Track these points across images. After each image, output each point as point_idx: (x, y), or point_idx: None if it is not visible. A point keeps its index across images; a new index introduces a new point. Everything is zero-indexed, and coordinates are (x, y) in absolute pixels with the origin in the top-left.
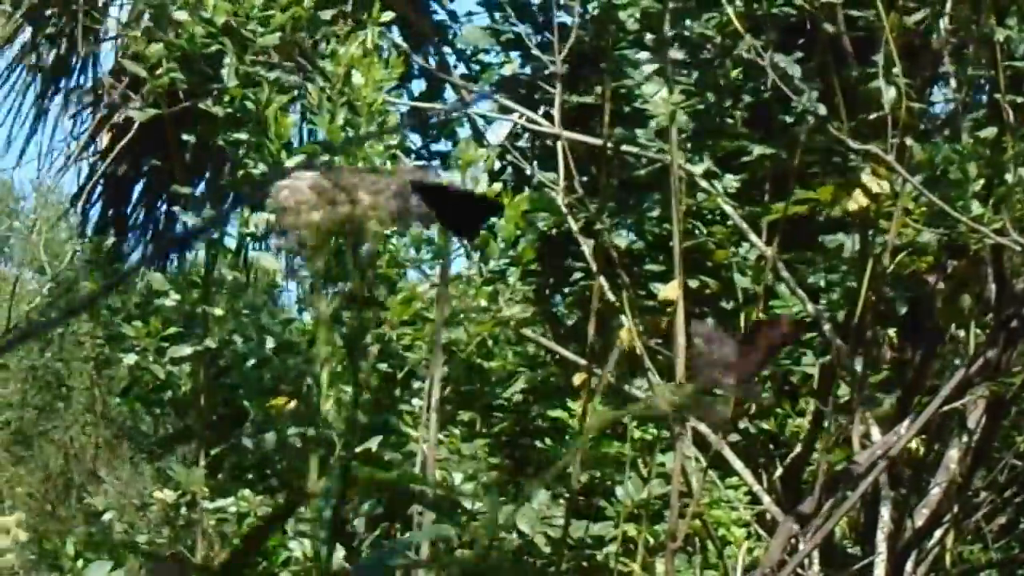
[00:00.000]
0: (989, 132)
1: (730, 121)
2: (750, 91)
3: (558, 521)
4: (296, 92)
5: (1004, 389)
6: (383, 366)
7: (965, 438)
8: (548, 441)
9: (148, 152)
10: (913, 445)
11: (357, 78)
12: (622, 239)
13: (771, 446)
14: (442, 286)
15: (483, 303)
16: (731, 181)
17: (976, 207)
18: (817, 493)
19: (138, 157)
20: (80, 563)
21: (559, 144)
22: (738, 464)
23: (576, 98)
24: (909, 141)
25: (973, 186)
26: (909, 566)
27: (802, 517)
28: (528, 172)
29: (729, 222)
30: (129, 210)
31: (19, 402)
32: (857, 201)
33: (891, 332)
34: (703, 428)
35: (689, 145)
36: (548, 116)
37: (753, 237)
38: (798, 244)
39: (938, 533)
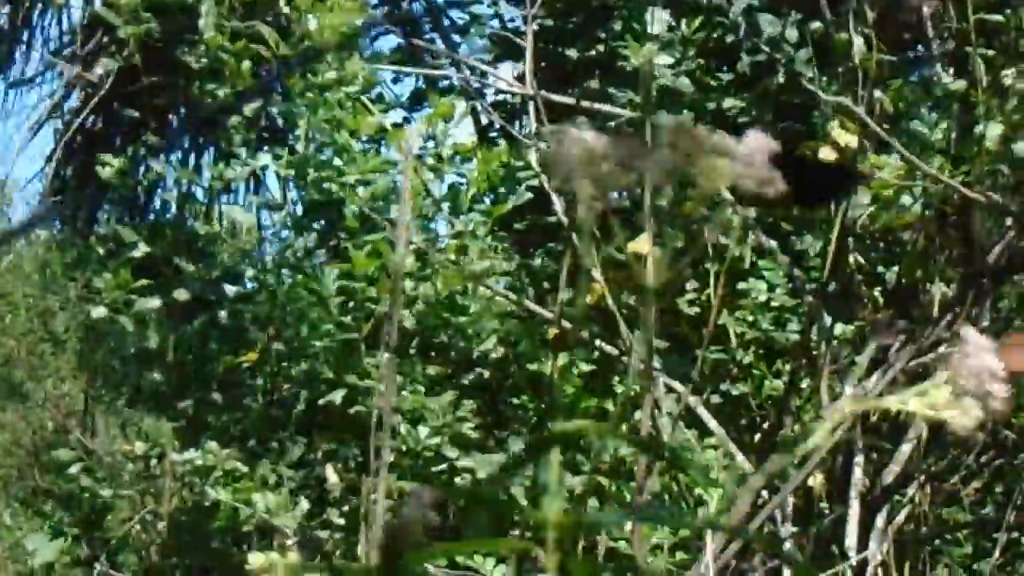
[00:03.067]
0: (958, 85)
1: (714, 83)
2: (735, 49)
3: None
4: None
5: None
6: (348, 319)
7: None
8: (526, 396)
9: (123, 106)
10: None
11: (312, 23)
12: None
13: (750, 408)
14: (401, 233)
15: (452, 256)
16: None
17: (938, 160)
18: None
19: (113, 113)
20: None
21: (532, 102)
22: (713, 423)
23: (570, 52)
24: (878, 94)
25: (935, 136)
26: (880, 523)
27: (771, 474)
28: (501, 126)
29: None
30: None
31: (6, 355)
32: (825, 155)
33: (875, 293)
34: (678, 387)
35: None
36: (542, 70)
37: (729, 198)
38: (781, 206)
39: (911, 491)
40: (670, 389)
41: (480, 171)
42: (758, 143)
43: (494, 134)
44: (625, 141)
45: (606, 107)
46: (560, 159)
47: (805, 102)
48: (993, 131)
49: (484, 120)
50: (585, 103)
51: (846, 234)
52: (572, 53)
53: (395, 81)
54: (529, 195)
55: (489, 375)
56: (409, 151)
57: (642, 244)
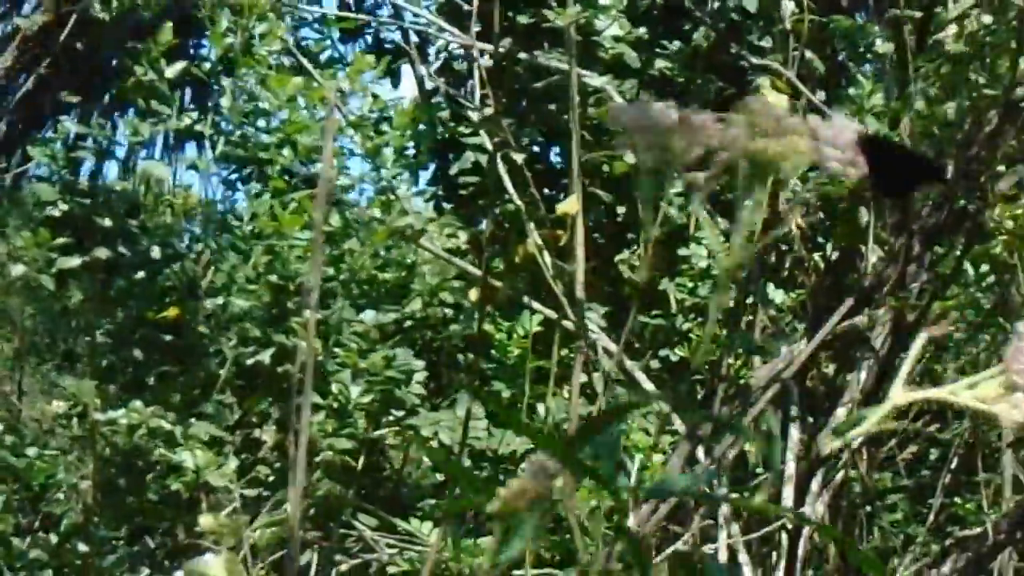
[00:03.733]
0: (887, 47)
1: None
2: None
3: (480, 435)
4: None
5: (906, 306)
6: (273, 277)
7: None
8: (470, 355)
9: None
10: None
11: None
12: (522, 153)
13: (692, 374)
14: (322, 187)
15: (376, 213)
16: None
17: (872, 122)
18: (714, 411)
19: (41, 76)
20: None
21: (479, 63)
22: (650, 386)
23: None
24: (810, 55)
25: (868, 101)
26: (815, 486)
27: (703, 437)
28: (445, 91)
29: None
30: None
31: None
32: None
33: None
34: (613, 347)
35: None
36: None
37: (675, 165)
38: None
39: (847, 455)
40: (609, 353)
41: (399, 125)
42: (843, 126)
43: (439, 99)
44: (703, 117)
45: (547, 59)
46: (636, 128)
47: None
48: (925, 93)
49: (429, 85)
50: (524, 55)
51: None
52: (523, 19)
53: (343, 42)
54: (472, 157)
55: (431, 335)
56: (331, 109)
57: (570, 205)
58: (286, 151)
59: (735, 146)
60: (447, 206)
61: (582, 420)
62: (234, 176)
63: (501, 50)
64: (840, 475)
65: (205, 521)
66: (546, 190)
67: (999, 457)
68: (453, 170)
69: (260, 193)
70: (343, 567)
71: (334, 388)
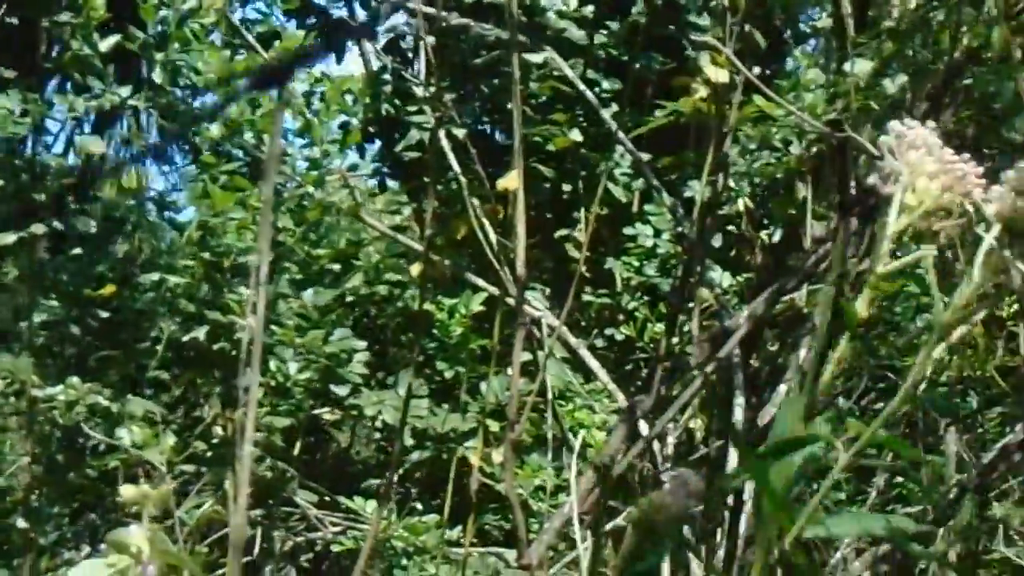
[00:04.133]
0: (826, 21)
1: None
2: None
3: (422, 414)
4: None
5: (842, 283)
6: (207, 255)
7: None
8: (412, 334)
9: None
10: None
11: None
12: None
13: (636, 353)
14: (268, 162)
15: (311, 188)
16: (610, 86)
17: (809, 98)
18: (655, 387)
19: None
20: None
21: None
22: (594, 363)
23: None
24: (750, 29)
25: (806, 76)
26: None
27: (647, 412)
28: (393, 69)
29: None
30: None
31: None
32: (698, 91)
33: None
34: (553, 321)
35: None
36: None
37: (627, 142)
38: (670, 151)
39: None
40: (554, 330)
41: (331, 99)
42: None
43: (386, 77)
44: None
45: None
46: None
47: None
48: (862, 67)
49: (376, 63)
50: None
51: (720, 172)
52: None
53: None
54: (418, 136)
55: (375, 313)
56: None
57: (510, 180)
58: (215, 127)
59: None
60: (392, 183)
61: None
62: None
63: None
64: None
65: (125, 491)
66: (491, 167)
67: (943, 436)
68: (398, 148)
69: (201, 170)
70: (286, 545)
71: (272, 366)
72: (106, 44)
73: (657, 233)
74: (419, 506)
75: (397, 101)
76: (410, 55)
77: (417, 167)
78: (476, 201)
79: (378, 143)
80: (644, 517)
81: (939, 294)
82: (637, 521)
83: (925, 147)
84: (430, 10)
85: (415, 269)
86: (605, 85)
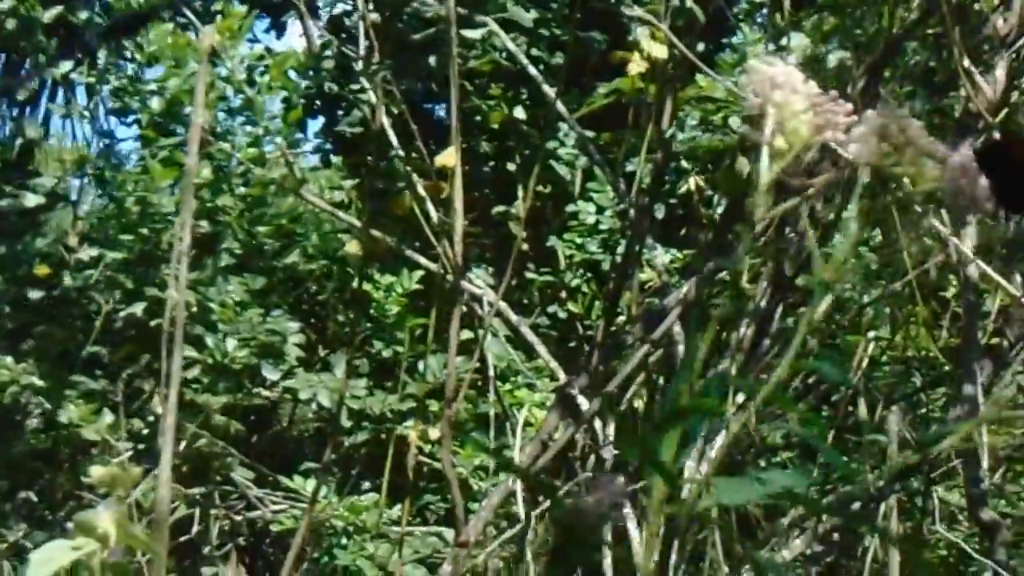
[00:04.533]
0: None
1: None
2: None
3: (360, 393)
4: None
5: (782, 258)
6: (145, 231)
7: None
8: (351, 313)
9: None
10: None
11: None
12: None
13: (580, 331)
14: (193, 136)
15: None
16: (551, 60)
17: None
18: (593, 364)
19: None
20: None
21: (366, 14)
22: (535, 340)
23: None
24: (690, 4)
25: (753, 50)
26: (701, 442)
27: (585, 389)
28: (338, 46)
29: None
30: None
31: None
32: (637, 65)
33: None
34: (490, 295)
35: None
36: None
37: (569, 119)
38: (613, 128)
39: (735, 411)
40: (499, 312)
41: (273, 76)
42: (968, 158)
43: (328, 53)
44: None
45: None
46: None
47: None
48: (799, 42)
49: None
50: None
51: (669, 157)
52: None
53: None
54: (359, 113)
55: (315, 291)
56: (205, 57)
57: (448, 157)
58: (155, 101)
59: (863, 151)
60: (334, 159)
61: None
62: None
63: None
64: (727, 431)
65: (96, 472)
66: (435, 145)
67: (885, 416)
68: (341, 125)
69: (142, 145)
70: (225, 524)
71: (210, 343)
72: (49, 15)
73: (600, 210)
74: (365, 485)
75: (340, 78)
76: (353, 32)
77: (359, 143)
78: (417, 177)
79: (321, 119)
80: (565, 519)
81: (816, 248)
82: (558, 522)
83: (791, 86)
84: None
85: (352, 246)
86: (549, 62)
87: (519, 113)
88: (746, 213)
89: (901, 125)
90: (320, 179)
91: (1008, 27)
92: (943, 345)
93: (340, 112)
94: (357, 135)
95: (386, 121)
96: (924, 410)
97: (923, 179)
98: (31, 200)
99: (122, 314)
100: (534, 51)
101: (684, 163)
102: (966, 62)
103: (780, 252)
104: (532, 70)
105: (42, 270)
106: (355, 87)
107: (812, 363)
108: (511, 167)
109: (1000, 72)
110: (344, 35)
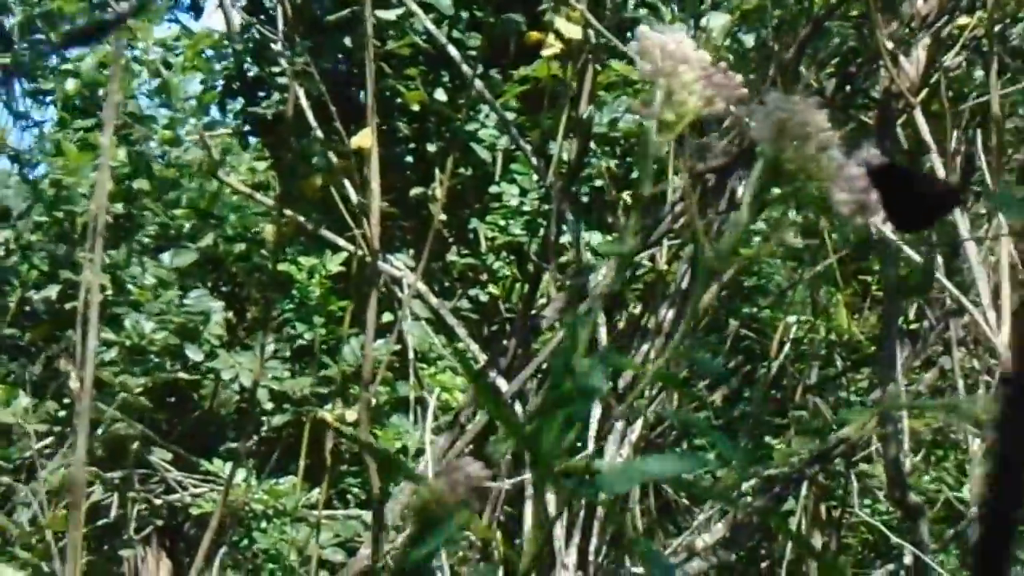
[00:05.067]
0: None
1: None
2: None
3: (282, 376)
4: None
5: (700, 240)
6: (59, 214)
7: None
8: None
9: None
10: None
11: None
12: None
13: (502, 314)
14: (108, 115)
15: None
16: (475, 40)
17: None
18: (512, 346)
19: None
20: None
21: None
22: (454, 322)
23: None
24: None
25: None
26: (620, 426)
27: (504, 371)
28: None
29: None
30: None
31: None
32: (551, 47)
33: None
34: (407, 276)
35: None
36: None
37: (490, 99)
38: (535, 110)
39: (654, 394)
40: (418, 294)
41: (188, 57)
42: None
43: (247, 35)
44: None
45: None
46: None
47: None
48: (717, 21)
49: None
50: None
51: (587, 139)
52: None
53: None
54: (278, 96)
55: (236, 272)
56: (119, 44)
57: (364, 139)
58: (71, 83)
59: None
60: (253, 141)
61: None
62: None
63: None
64: (648, 414)
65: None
66: (354, 126)
67: (808, 397)
68: (260, 106)
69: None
70: (144, 508)
71: (127, 324)
72: None
73: (523, 192)
74: (290, 467)
75: (259, 59)
76: (272, 12)
77: (277, 124)
78: (333, 158)
79: (240, 101)
80: (424, 506)
81: (703, 236)
82: (417, 509)
83: (682, 56)
84: None
85: (269, 229)
86: (468, 43)
87: (439, 95)
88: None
89: (802, 116)
90: (237, 161)
91: (928, 7)
92: (869, 329)
93: (260, 94)
94: (275, 117)
95: (305, 102)
96: (846, 393)
97: (818, 174)
98: None
99: (36, 297)
100: (454, 33)
101: (597, 147)
102: (888, 43)
103: (697, 232)
104: (452, 50)
105: None
106: (274, 69)
107: (691, 353)
108: (431, 149)
109: (921, 52)
110: (263, 16)
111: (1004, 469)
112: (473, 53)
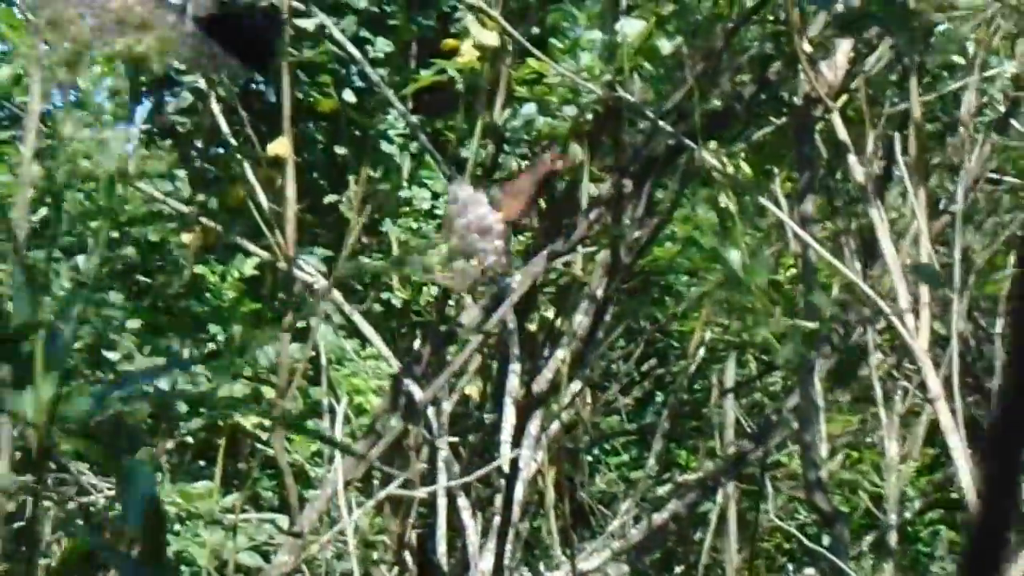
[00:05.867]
0: None
1: None
2: None
3: (196, 379)
4: None
5: (617, 246)
6: None
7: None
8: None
9: None
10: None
11: None
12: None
13: (413, 317)
14: (29, 125)
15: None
16: (383, 46)
17: (586, 58)
18: (427, 353)
19: None
20: None
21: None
22: (365, 326)
23: None
24: None
25: (584, 37)
26: (534, 430)
27: (418, 378)
28: None
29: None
30: None
31: None
32: (467, 53)
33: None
34: (319, 282)
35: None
36: None
37: (398, 105)
38: (445, 113)
39: (568, 399)
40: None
41: (99, 60)
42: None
43: None
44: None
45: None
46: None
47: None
48: (633, 27)
49: None
50: None
51: (501, 140)
52: None
53: None
54: (190, 98)
55: (147, 278)
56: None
57: (280, 146)
58: None
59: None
60: (161, 143)
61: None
62: None
63: None
64: (562, 420)
65: None
66: (265, 127)
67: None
68: (170, 109)
69: None
70: (59, 511)
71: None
72: None
73: (435, 196)
74: (204, 472)
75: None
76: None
77: (188, 129)
78: (247, 165)
79: (147, 104)
80: None
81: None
82: None
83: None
84: None
85: (187, 237)
86: (379, 44)
87: (348, 96)
88: (577, 199)
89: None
90: (148, 166)
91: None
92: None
93: (167, 96)
94: (184, 120)
95: (216, 108)
96: (759, 395)
97: None
98: None
99: None
100: (364, 33)
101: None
102: (806, 46)
103: (616, 239)
104: (359, 57)
105: None
106: (183, 68)
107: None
108: (341, 151)
109: (840, 56)
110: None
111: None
112: (383, 54)
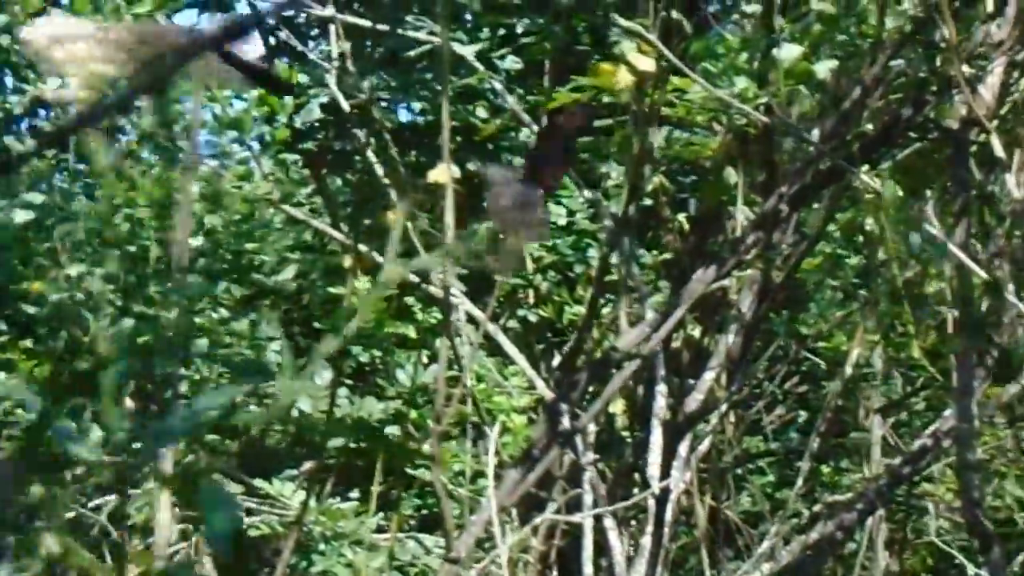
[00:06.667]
0: (755, 7)
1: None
2: None
3: (339, 401)
4: None
5: (770, 268)
6: (133, 248)
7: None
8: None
9: None
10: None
11: None
12: (394, 117)
13: (549, 334)
14: (188, 152)
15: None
16: (513, 63)
17: (742, 82)
18: (585, 378)
19: None
20: None
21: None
22: (512, 349)
23: None
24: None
25: (737, 59)
26: (683, 451)
27: (573, 401)
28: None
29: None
30: None
31: None
32: (623, 79)
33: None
34: (478, 314)
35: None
36: None
37: (529, 121)
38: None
39: (715, 419)
40: (471, 317)
41: (263, 94)
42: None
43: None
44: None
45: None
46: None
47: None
48: (791, 52)
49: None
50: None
51: (646, 160)
52: None
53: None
54: (319, 115)
55: (290, 303)
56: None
57: (440, 174)
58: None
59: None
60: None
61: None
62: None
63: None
64: (708, 440)
65: None
66: (409, 149)
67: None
68: (298, 121)
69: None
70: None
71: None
72: None
73: (571, 213)
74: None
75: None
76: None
77: (321, 147)
78: (400, 191)
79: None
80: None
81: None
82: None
83: (72, 38)
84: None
85: (347, 261)
86: (507, 62)
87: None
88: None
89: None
90: (289, 190)
91: (1003, 33)
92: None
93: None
94: (343, 150)
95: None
96: (907, 414)
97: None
98: (20, 216)
99: (109, 331)
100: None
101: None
102: (965, 68)
103: (769, 261)
104: (512, 102)
105: (35, 286)
106: (309, 83)
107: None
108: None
109: (995, 78)
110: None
111: None
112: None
